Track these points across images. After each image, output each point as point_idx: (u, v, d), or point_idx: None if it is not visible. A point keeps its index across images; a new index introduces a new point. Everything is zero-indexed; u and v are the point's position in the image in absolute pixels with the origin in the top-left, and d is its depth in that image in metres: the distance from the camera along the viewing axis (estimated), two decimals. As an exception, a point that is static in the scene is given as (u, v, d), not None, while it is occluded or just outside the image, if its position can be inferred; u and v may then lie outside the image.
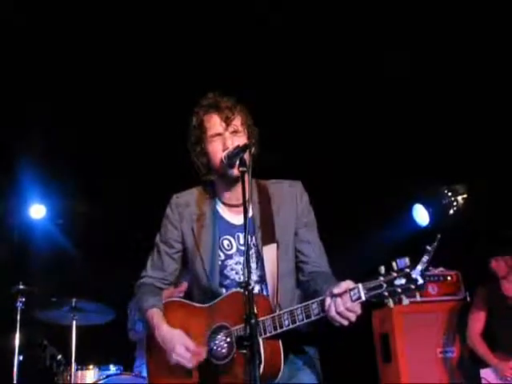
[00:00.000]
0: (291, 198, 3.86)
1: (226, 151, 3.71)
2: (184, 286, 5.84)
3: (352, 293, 3.27)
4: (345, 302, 3.29)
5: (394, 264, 3.21)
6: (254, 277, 3.68)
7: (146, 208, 5.57)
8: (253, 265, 3.72)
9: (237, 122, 3.81)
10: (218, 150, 3.77)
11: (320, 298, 3.39)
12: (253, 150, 3.57)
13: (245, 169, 3.51)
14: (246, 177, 3.52)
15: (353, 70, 5.97)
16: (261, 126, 3.82)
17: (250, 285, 3.22)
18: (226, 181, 3.82)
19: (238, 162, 3.60)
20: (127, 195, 7.33)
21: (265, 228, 3.77)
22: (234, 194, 3.84)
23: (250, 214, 3.72)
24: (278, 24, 5.71)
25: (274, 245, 3.77)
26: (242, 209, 3.68)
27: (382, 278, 3.22)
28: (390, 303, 3.20)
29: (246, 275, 3.26)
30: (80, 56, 6.01)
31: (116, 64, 6.06)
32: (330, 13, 5.67)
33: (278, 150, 5.48)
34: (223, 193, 3.88)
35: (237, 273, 3.82)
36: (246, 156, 3.57)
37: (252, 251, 3.75)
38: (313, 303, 3.41)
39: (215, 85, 3.94)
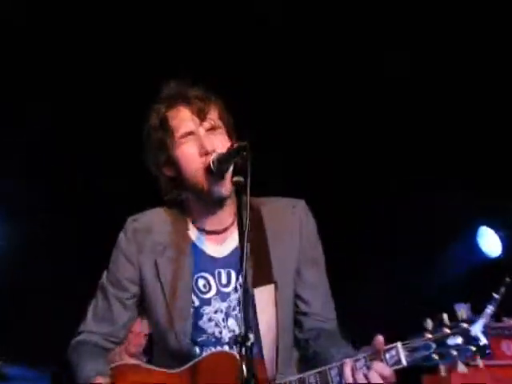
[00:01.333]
0: (292, 224, 2.95)
1: (216, 154, 2.77)
2: (141, 328, 4.65)
3: (388, 355, 2.42)
4: (378, 367, 2.43)
5: (444, 316, 2.38)
6: (238, 330, 2.49)
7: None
8: (238, 314, 2.74)
9: (213, 115, 2.93)
10: (191, 154, 2.87)
11: (340, 362, 2.53)
12: (247, 153, 2.59)
13: (241, 178, 2.54)
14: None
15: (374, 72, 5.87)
16: (260, 128, 3.34)
17: (248, 340, 2.34)
18: (206, 199, 2.88)
19: (231, 170, 2.70)
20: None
21: (257, 263, 2.82)
22: (217, 218, 2.93)
23: (237, 243, 2.62)
24: (277, 24, 5.68)
25: (271, 286, 2.84)
26: (225, 236, 2.92)
27: (429, 336, 2.39)
28: (442, 370, 2.41)
29: (244, 326, 2.36)
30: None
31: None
32: (329, 12, 5.62)
33: (278, 153, 5.43)
34: (200, 215, 2.94)
35: (217, 325, 2.88)
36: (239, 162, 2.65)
37: (237, 295, 2.84)
38: (331, 368, 2.55)
39: (214, 86, 3.23)
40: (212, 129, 2.90)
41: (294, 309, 2.93)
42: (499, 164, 5.67)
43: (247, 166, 2.55)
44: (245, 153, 2.60)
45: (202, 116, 2.90)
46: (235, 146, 2.72)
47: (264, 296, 2.82)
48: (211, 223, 2.95)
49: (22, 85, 6.07)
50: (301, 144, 6.27)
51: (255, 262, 2.80)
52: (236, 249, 2.83)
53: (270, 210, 2.97)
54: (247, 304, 2.40)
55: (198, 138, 2.87)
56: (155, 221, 3.00)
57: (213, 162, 2.80)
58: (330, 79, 5.95)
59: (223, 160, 2.76)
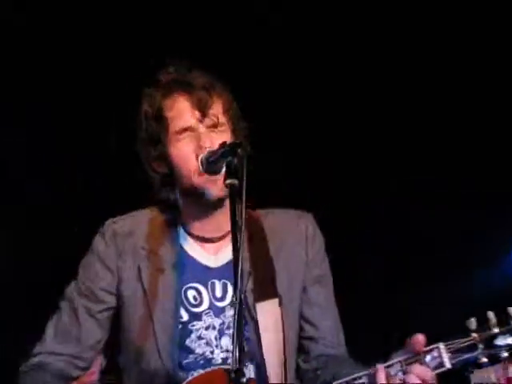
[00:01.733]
0: (298, 238, 2.68)
1: (205, 153, 2.48)
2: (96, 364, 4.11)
3: (428, 357, 2.15)
4: (419, 370, 2.12)
5: (490, 315, 2.16)
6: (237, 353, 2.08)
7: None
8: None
9: (217, 109, 2.62)
10: (187, 154, 2.58)
11: (371, 370, 2.24)
12: (242, 151, 2.34)
13: (235, 181, 2.25)
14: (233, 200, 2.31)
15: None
16: (258, 128, 2.89)
17: (243, 376, 1.95)
18: (199, 203, 2.63)
19: (223, 170, 2.37)
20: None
21: (259, 276, 2.55)
22: (211, 223, 2.65)
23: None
24: (277, 24, 5.63)
25: (275, 301, 2.52)
26: (221, 244, 2.62)
27: (475, 335, 2.14)
28: (492, 376, 2.21)
29: (236, 356, 1.96)
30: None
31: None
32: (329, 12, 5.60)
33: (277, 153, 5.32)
34: (193, 220, 2.66)
35: (208, 343, 2.53)
36: (236, 161, 2.34)
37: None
38: (360, 377, 2.26)
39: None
40: (214, 126, 2.60)
41: (298, 333, 2.61)
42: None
43: (242, 167, 2.27)
44: (239, 151, 2.32)
45: (203, 109, 2.57)
46: (227, 143, 2.44)
47: (267, 312, 2.48)
48: (206, 230, 2.66)
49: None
50: (300, 144, 6.16)
51: (257, 275, 2.54)
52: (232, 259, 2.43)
53: (272, 221, 2.70)
54: (240, 325, 1.99)
55: (197, 136, 2.56)
56: (139, 223, 2.67)
57: (201, 161, 2.52)
58: (330, 78, 5.88)
59: (213, 159, 2.45)
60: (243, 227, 2.20)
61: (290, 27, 5.72)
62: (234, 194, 2.29)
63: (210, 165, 2.47)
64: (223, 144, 2.46)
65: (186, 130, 2.60)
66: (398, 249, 5.25)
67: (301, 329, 2.63)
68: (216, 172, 2.48)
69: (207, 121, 2.60)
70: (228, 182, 2.32)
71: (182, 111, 2.59)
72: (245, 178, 2.25)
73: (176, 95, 2.62)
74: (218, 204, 2.63)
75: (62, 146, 5.77)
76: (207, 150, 2.53)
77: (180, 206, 2.70)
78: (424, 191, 5.44)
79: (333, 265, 2.79)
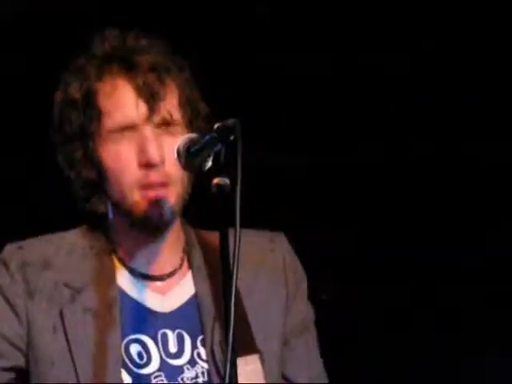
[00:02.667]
0: (274, 272, 2.05)
1: (184, 139, 1.70)
2: None
3: None
4: None
5: None
6: None
7: None
8: None
9: (170, 101, 1.93)
10: (126, 163, 1.91)
11: None
12: (237, 137, 1.60)
13: (226, 180, 1.57)
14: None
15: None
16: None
17: None
18: (138, 227, 1.96)
19: (209, 165, 1.65)
20: None
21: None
22: (158, 255, 1.97)
23: (193, 291, 1.94)
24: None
25: (254, 357, 1.92)
26: (171, 282, 1.97)
27: None
28: None
29: None
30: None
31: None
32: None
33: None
34: (130, 249, 1.97)
35: None
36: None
37: (196, 371, 1.87)
38: None
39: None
40: (165, 124, 1.92)
41: None
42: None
43: (237, 160, 1.55)
44: (232, 137, 1.59)
45: (151, 102, 1.89)
46: (217, 126, 1.65)
47: (246, 372, 1.83)
48: (148, 263, 1.97)
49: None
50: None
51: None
52: (191, 300, 1.93)
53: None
54: None
55: (141, 138, 1.89)
56: (57, 250, 1.94)
57: (178, 152, 1.70)
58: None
59: (197, 149, 1.66)
60: (237, 249, 1.49)
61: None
62: (224, 199, 1.57)
63: (192, 157, 1.67)
64: (210, 127, 1.70)
65: (125, 128, 1.90)
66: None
67: None
68: (200, 167, 1.68)
69: (156, 118, 1.90)
70: (217, 181, 1.58)
71: (122, 102, 1.91)
72: (240, 176, 1.53)
73: (116, 77, 1.92)
74: (164, 230, 1.96)
75: None
76: (186, 137, 1.73)
77: (112, 225, 2.00)
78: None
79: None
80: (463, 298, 4.23)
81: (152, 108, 1.89)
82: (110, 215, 2.00)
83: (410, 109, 4.51)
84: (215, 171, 1.61)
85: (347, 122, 4.44)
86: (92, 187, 1.97)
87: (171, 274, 1.98)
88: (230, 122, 1.63)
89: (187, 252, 1.96)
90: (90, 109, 1.91)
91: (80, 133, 1.93)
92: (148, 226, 1.93)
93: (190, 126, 1.97)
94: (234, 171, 1.54)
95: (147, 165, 1.87)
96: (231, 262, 1.49)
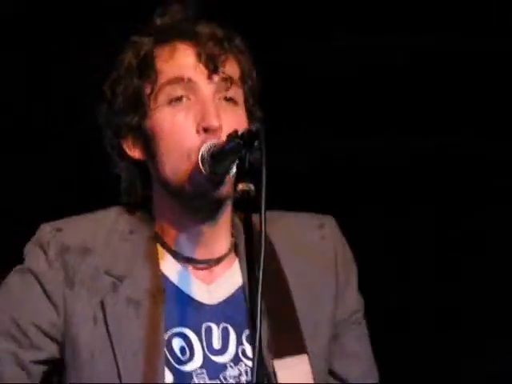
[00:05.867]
0: (324, 255, 1.90)
1: (207, 145, 1.68)
2: None
3: None
4: None
5: None
6: None
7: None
8: None
9: (232, 68, 1.81)
10: (182, 128, 1.76)
11: None
12: (261, 144, 1.54)
13: (251, 186, 1.51)
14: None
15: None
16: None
17: None
18: (189, 207, 1.82)
19: (234, 171, 1.62)
20: None
21: (277, 322, 1.77)
22: (207, 239, 1.80)
23: (240, 282, 1.79)
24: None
25: (302, 358, 1.77)
26: (217, 270, 1.82)
27: None
28: None
29: None
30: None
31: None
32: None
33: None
34: (176, 231, 1.81)
35: None
36: (253, 158, 1.55)
37: (239, 369, 1.75)
38: None
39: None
40: (227, 89, 1.76)
41: None
42: None
43: (262, 166, 1.47)
44: (256, 143, 1.51)
45: (212, 65, 1.74)
46: (240, 132, 1.60)
47: (293, 373, 1.71)
48: (196, 246, 1.80)
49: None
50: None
51: (273, 321, 1.72)
52: (237, 291, 1.78)
53: (284, 234, 1.86)
54: None
55: (200, 102, 1.74)
56: (96, 234, 1.78)
57: (202, 157, 1.66)
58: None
59: (220, 156, 1.63)
60: (263, 249, 1.44)
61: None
62: (248, 203, 1.51)
63: (217, 163, 1.66)
64: (233, 133, 1.62)
65: (182, 80, 1.74)
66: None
67: None
68: (224, 173, 1.68)
69: (217, 79, 1.74)
70: (241, 187, 1.52)
71: (181, 62, 1.75)
72: (265, 183, 1.46)
73: (175, 42, 1.78)
74: (218, 210, 1.80)
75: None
76: (209, 143, 1.68)
77: (157, 207, 1.84)
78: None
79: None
80: (463, 298, 4.23)
81: (212, 68, 1.76)
82: (156, 196, 1.85)
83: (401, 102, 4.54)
84: (240, 177, 1.57)
85: (347, 122, 4.43)
86: (137, 168, 1.84)
87: (218, 261, 1.84)
88: (255, 127, 1.58)
89: (235, 237, 1.83)
90: (147, 69, 1.78)
91: (134, 98, 1.79)
92: (203, 201, 1.79)
93: (247, 104, 1.86)
94: (258, 177, 1.50)
95: (207, 128, 1.74)
96: (260, 261, 1.43)
